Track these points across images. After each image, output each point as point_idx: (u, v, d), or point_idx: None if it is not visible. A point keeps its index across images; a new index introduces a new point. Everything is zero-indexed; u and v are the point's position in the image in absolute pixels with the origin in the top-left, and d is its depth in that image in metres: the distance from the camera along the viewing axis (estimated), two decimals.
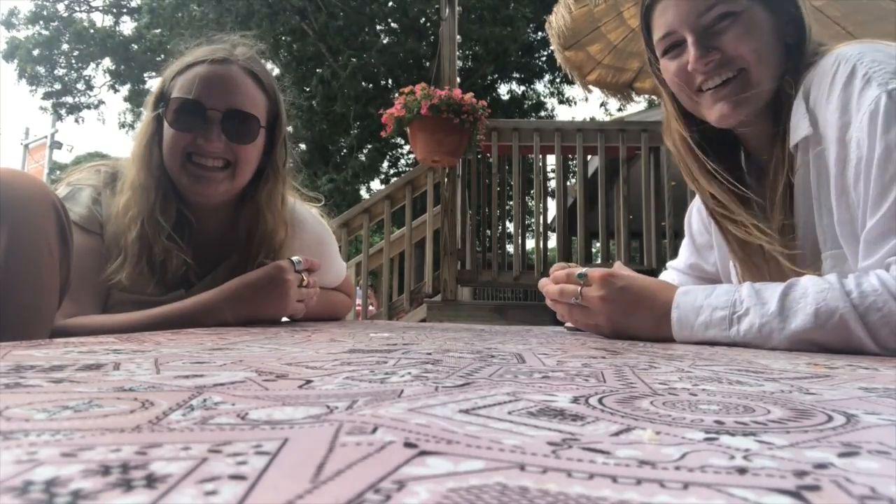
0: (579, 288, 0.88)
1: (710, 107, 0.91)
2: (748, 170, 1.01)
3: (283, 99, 1.17)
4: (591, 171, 5.43)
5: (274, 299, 1.04)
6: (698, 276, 1.16)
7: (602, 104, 16.15)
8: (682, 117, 0.99)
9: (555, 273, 0.94)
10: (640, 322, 0.83)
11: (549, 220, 7.30)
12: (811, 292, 0.70)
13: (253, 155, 1.10)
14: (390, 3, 13.73)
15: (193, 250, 1.09)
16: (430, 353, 0.53)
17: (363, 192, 14.62)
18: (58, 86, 15.68)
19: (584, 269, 0.89)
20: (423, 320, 4.08)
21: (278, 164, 1.15)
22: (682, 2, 0.89)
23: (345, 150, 13.38)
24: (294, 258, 1.09)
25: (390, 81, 13.26)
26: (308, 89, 12.92)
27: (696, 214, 1.16)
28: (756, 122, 0.92)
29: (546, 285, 0.95)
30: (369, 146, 13.87)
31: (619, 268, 0.94)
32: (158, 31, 13.67)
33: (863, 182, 0.74)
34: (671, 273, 1.22)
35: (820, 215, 0.84)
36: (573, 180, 6.80)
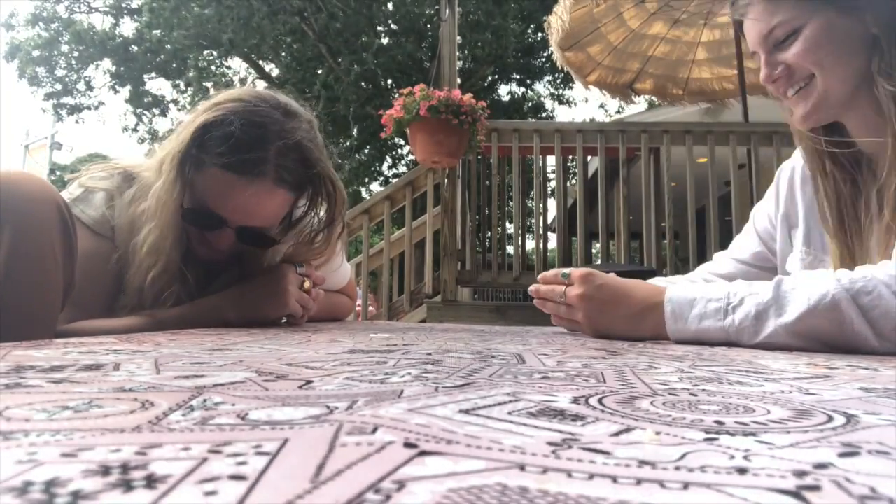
0: (564, 287, 0.92)
1: (791, 115, 0.95)
2: (852, 163, 0.99)
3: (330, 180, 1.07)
4: (591, 171, 5.43)
5: (273, 297, 1.04)
6: (763, 266, 1.16)
7: (601, 105, 16.17)
8: None
9: (543, 274, 0.99)
10: (616, 320, 0.85)
11: (550, 220, 7.31)
12: (802, 281, 0.72)
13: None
14: (390, 5, 13.74)
15: (195, 278, 1.07)
16: (430, 354, 0.53)
17: (363, 193, 14.63)
18: (58, 87, 15.70)
19: (567, 270, 0.93)
20: (423, 321, 4.08)
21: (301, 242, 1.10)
22: (752, 25, 0.94)
23: (345, 151, 13.39)
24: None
25: (390, 82, 13.27)
26: (308, 92, 12.93)
27: (762, 210, 1.17)
28: (853, 118, 0.93)
29: (536, 290, 0.99)
30: (369, 146, 13.88)
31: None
32: (158, 31, 13.67)
33: None
34: (726, 263, 1.20)
35: None
36: (573, 181, 6.81)
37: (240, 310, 1.02)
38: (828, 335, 0.69)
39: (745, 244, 1.20)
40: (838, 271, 0.72)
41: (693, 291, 0.80)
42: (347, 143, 13.10)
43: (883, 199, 0.90)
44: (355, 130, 12.94)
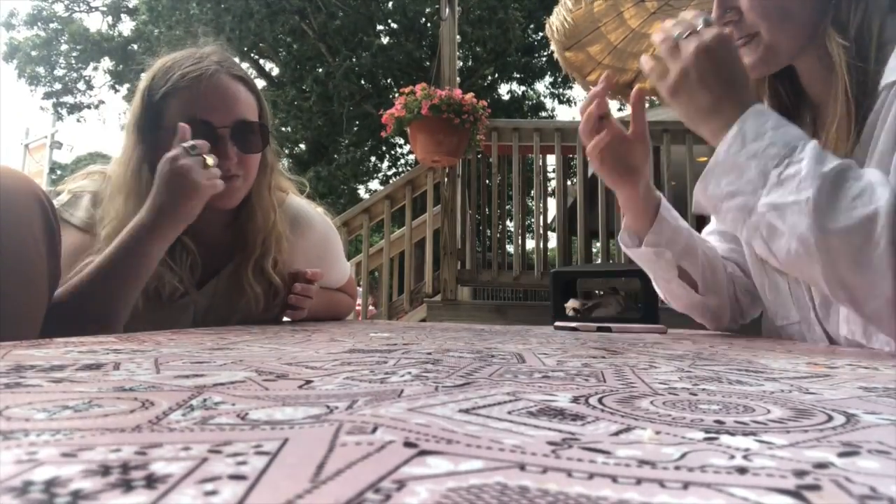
0: (699, 25, 0.80)
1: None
2: (798, 112, 0.95)
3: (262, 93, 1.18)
4: (591, 170, 5.42)
5: (182, 187, 0.96)
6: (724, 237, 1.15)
7: None
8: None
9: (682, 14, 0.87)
10: (702, 99, 0.78)
11: (550, 219, 7.31)
12: (871, 174, 0.67)
13: (258, 159, 1.11)
14: (390, 4, 13.74)
15: (191, 266, 1.09)
16: (430, 353, 0.53)
17: (362, 192, 14.62)
18: (58, 86, 15.69)
19: (711, 17, 0.83)
20: (424, 320, 4.08)
21: (267, 157, 1.16)
22: None
23: (343, 150, 13.38)
24: (186, 144, 0.99)
25: (390, 81, 13.27)
26: (306, 89, 12.92)
27: None
28: (803, 64, 0.89)
29: (661, 29, 0.87)
30: (370, 144, 13.88)
31: None
32: (158, 31, 13.67)
33: None
34: (710, 237, 1.19)
35: (870, 159, 0.78)
36: (573, 180, 6.81)
37: (164, 216, 0.95)
38: (841, 251, 0.66)
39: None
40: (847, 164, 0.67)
41: (769, 124, 0.74)
42: (345, 142, 13.10)
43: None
44: (355, 127, 12.93)
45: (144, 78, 1.07)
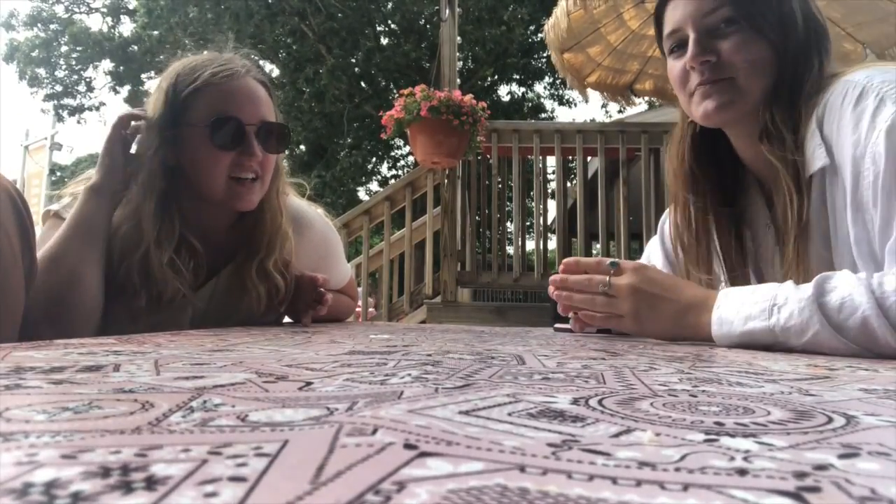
0: (608, 277, 0.87)
1: (697, 104, 0.94)
2: (750, 201, 1.01)
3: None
4: (591, 172, 5.43)
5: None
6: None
7: (603, 105, 16.16)
8: (693, 138, 1.02)
9: (583, 260, 0.93)
10: (662, 316, 0.83)
11: (550, 221, 7.31)
12: (842, 283, 0.69)
13: (274, 161, 1.12)
14: (389, 5, 13.75)
15: (193, 268, 1.09)
16: (430, 355, 0.53)
17: (362, 194, 14.63)
18: (58, 88, 15.69)
19: (615, 259, 0.89)
20: (423, 322, 4.08)
21: (278, 161, 1.16)
22: (691, 1, 0.92)
23: (344, 151, 13.38)
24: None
25: (390, 83, 13.27)
26: (306, 90, 12.93)
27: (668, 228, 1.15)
28: (745, 127, 0.93)
29: (563, 280, 0.92)
30: (369, 146, 13.87)
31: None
32: (156, 32, 13.68)
33: (881, 198, 0.74)
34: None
35: (836, 238, 0.83)
36: (573, 181, 6.82)
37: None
38: (866, 347, 0.66)
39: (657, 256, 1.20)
40: (874, 278, 0.68)
41: (742, 295, 0.77)
42: (343, 144, 13.09)
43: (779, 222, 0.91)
44: (354, 127, 12.92)
45: (166, 77, 1.08)
